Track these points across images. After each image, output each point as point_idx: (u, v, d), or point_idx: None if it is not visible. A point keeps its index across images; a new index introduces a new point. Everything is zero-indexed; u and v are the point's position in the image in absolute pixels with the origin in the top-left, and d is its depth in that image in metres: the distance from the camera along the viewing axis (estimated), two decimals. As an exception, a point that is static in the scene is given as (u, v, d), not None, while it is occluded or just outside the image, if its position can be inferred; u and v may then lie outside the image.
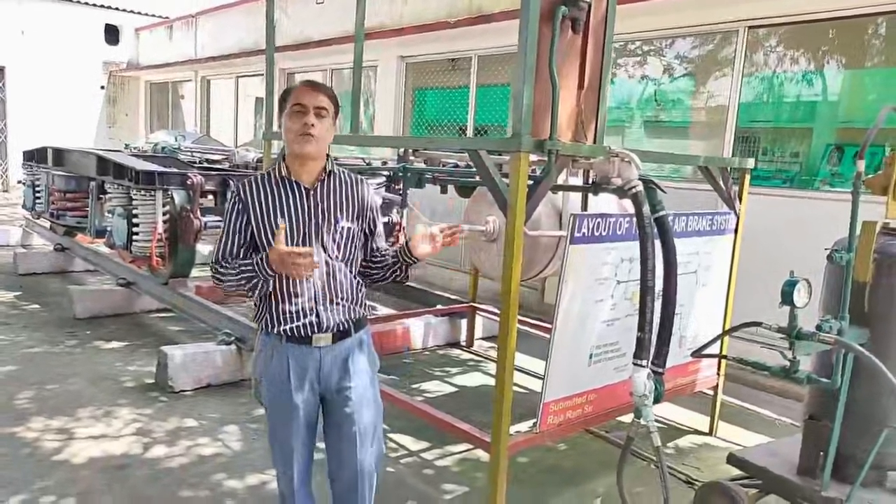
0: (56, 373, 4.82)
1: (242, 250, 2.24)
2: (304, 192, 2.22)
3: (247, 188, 2.23)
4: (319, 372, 2.26)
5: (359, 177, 2.36)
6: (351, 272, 2.30)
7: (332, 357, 2.27)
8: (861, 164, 2.48)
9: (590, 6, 2.99)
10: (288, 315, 2.22)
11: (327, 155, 2.29)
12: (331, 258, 2.24)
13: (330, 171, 2.26)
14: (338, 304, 2.26)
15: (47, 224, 8.47)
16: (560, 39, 2.86)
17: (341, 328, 2.27)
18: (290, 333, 2.23)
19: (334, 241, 2.24)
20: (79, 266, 8.21)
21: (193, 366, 4.67)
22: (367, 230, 2.34)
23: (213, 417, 4.22)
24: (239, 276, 2.19)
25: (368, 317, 2.42)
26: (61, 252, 8.22)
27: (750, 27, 5.85)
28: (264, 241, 2.20)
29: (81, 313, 6.24)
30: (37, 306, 6.63)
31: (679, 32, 6.52)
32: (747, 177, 4.01)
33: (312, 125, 2.13)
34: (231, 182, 6.19)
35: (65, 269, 8.21)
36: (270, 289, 2.22)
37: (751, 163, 3.97)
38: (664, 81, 7.13)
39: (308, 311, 2.22)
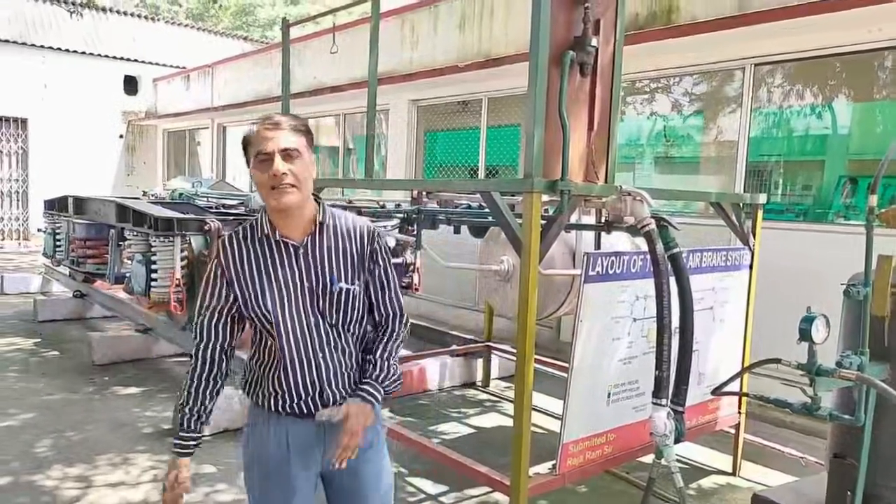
0: (75, 420, 4.84)
1: (227, 319, 1.94)
2: (291, 251, 1.89)
3: (227, 248, 1.92)
4: (324, 450, 1.96)
5: (358, 223, 1.99)
6: (355, 336, 1.98)
7: (336, 434, 1.90)
8: (873, 199, 2.49)
9: (597, 50, 3.07)
10: (286, 393, 1.92)
11: (317, 199, 1.95)
12: (331, 325, 1.92)
13: (321, 222, 1.92)
14: (344, 374, 1.95)
15: (67, 271, 8.59)
16: (569, 83, 2.93)
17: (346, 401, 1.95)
18: (289, 410, 1.93)
19: (331, 305, 1.91)
20: (97, 312, 8.30)
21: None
22: (368, 284, 1.98)
23: (230, 462, 4.20)
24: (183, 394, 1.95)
25: None
26: (80, 298, 8.32)
27: (756, 64, 5.92)
28: (253, 312, 1.90)
29: (100, 360, 6.29)
30: (56, 353, 6.69)
31: (686, 71, 6.61)
32: (760, 212, 4.02)
33: (284, 173, 1.79)
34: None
35: (83, 316, 8.30)
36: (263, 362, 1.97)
37: (762, 198, 3.99)
38: (673, 118, 7.20)
39: (311, 389, 1.92)
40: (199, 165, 16.22)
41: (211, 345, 1.94)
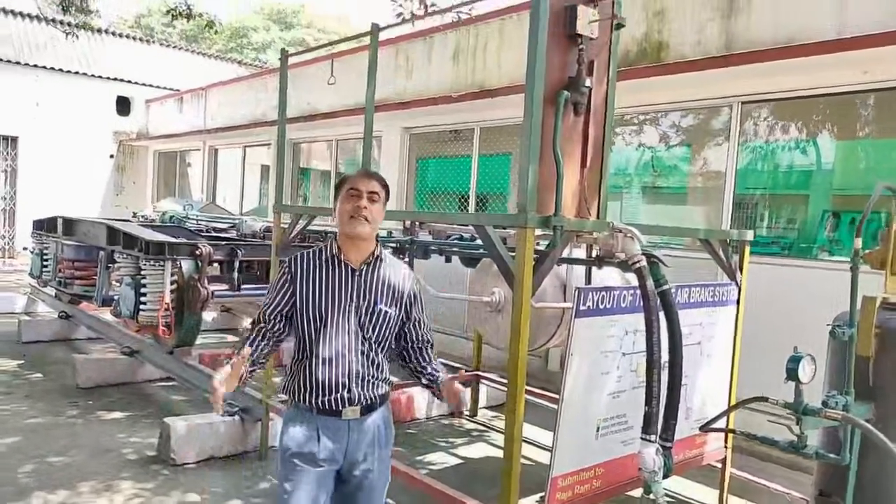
0: (58, 445, 4.78)
1: (281, 316, 2.38)
2: (350, 271, 2.35)
3: (298, 262, 2.38)
4: (347, 447, 2.34)
5: (404, 265, 2.52)
6: (382, 351, 2.41)
7: (359, 433, 2.35)
8: (858, 242, 2.56)
9: (590, 90, 3.14)
10: (320, 387, 2.30)
11: (377, 240, 2.44)
12: (365, 338, 2.35)
13: (378, 256, 2.40)
14: (368, 381, 2.35)
15: (53, 292, 8.52)
16: (563, 122, 2.99)
17: (369, 402, 2.37)
18: (321, 407, 2.31)
19: (370, 322, 2.35)
20: (82, 334, 8.21)
21: (196, 438, 4.63)
22: (403, 317, 2.45)
23: (216, 492, 4.16)
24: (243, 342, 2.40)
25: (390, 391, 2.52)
26: (65, 320, 8.24)
27: (743, 102, 6.06)
28: (303, 314, 2.33)
29: (84, 383, 6.21)
30: (39, 375, 6.61)
31: (674, 107, 6.74)
32: (747, 248, 4.08)
33: (365, 207, 2.30)
34: (238, 251, 6.28)
35: (68, 337, 8.21)
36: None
37: (750, 235, 4.05)
38: (661, 150, 7.32)
39: (340, 387, 2.31)
40: (188, 187, 16.20)
41: (267, 328, 2.39)
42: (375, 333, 2.36)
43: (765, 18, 5.63)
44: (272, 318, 2.39)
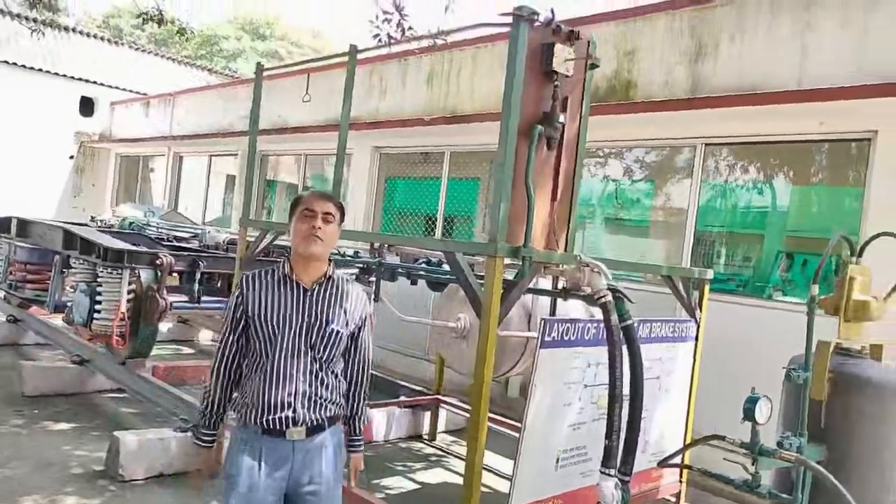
0: (-1, 456, 4.59)
1: (240, 336, 2.36)
2: (302, 291, 2.34)
3: (249, 281, 2.36)
4: (291, 468, 2.30)
5: (358, 288, 2.49)
6: (332, 372, 2.39)
7: (304, 453, 2.31)
8: (815, 288, 2.66)
9: (563, 125, 3.21)
10: (266, 406, 2.27)
11: (330, 260, 2.43)
12: (316, 358, 2.32)
13: (330, 277, 2.39)
14: (316, 401, 2.32)
15: (2, 294, 8.21)
16: (536, 155, 3.05)
17: (315, 423, 2.33)
18: (266, 426, 2.28)
19: (321, 341, 2.32)
20: (31, 339, 7.92)
21: (147, 453, 4.49)
22: (352, 338, 2.44)
23: (164, 511, 4.04)
24: (206, 395, 2.42)
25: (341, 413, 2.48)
26: (13, 324, 7.94)
27: (706, 144, 6.25)
28: (255, 334, 2.31)
29: (31, 391, 5.98)
30: (-18, 381, 6.35)
31: (640, 144, 6.92)
32: (707, 286, 4.20)
33: (319, 227, 2.29)
34: (200, 262, 6.16)
35: (16, 342, 7.90)
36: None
37: (710, 273, 4.17)
38: (625, 183, 7.49)
39: (285, 406, 2.28)
40: (150, 192, 15.88)
41: (229, 359, 2.38)
42: (327, 353, 2.34)
43: (731, 64, 5.84)
44: (233, 342, 2.37)
